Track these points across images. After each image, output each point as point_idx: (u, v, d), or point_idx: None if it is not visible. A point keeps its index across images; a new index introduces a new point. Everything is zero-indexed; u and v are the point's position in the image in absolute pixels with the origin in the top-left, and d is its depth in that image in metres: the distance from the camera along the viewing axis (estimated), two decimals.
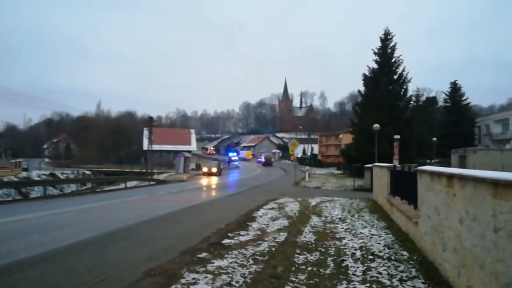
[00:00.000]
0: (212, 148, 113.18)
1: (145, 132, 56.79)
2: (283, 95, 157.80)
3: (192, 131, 76.19)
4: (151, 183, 31.08)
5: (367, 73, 38.61)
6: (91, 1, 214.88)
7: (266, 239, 7.13)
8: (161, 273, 4.94)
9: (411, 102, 43.54)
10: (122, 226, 8.87)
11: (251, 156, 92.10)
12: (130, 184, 29.67)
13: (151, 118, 50.71)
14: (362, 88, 39.75)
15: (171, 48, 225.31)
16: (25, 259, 5.75)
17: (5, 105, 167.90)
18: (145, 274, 4.92)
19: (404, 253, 5.99)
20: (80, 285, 4.52)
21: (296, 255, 5.92)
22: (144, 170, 45.81)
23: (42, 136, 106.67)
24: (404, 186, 8.40)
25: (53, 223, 9.68)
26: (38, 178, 35.27)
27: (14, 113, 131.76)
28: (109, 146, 71.91)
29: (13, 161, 47.22)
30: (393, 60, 37.55)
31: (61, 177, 41.56)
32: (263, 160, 70.06)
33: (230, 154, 74.83)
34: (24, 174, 41.15)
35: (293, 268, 5.22)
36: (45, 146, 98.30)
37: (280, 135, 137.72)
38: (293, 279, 4.74)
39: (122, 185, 29.47)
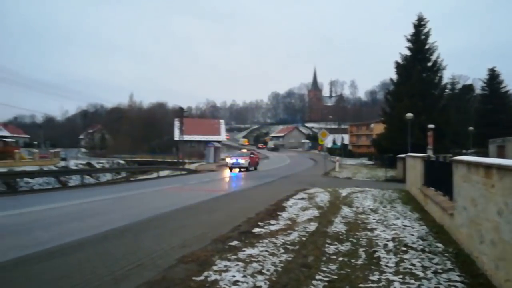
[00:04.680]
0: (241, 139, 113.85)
1: (176, 123, 57.84)
2: (313, 84, 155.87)
3: (222, 121, 76.86)
4: (183, 172, 31.70)
5: (399, 61, 37.48)
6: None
7: (296, 228, 7.14)
8: (193, 260, 5.06)
9: (446, 90, 41.91)
10: (156, 214, 9.12)
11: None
12: (162, 173, 30.43)
13: (181, 109, 51.56)
14: (394, 76, 38.69)
15: (199, 39, 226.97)
16: (64, 245, 6.04)
17: (44, 98, 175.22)
18: (179, 260, 5.06)
19: (439, 245, 5.84)
20: (117, 270, 4.71)
21: (326, 245, 5.90)
22: (175, 160, 46.77)
23: (78, 127, 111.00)
24: (439, 177, 8.16)
25: (90, 211, 10.09)
26: (76, 168, 36.79)
27: (52, 105, 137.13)
28: (141, 137, 73.82)
29: (52, 151, 49.43)
30: (427, 47, 36.24)
31: (97, 166, 43.08)
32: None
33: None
34: (62, 163, 42.92)
35: (324, 258, 5.21)
36: (81, 137, 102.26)
37: (309, 125, 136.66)
38: (324, 268, 4.74)
39: (155, 175, 30.28)
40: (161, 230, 7.28)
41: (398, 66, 37.49)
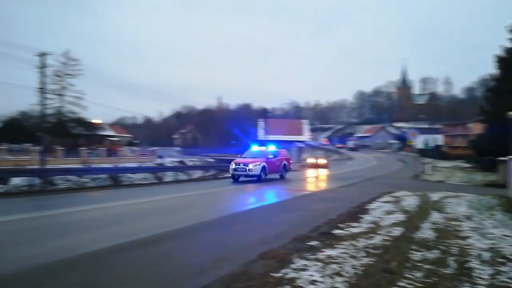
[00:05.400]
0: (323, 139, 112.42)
1: (260, 123, 59.17)
2: (401, 82, 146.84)
3: (305, 121, 76.59)
4: None
5: (500, 54, 33.64)
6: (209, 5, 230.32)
7: (380, 232, 6.90)
8: (273, 257, 5.20)
9: None
10: (240, 211, 9.54)
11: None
12: None
13: (265, 109, 52.69)
14: (494, 71, 34.88)
15: (283, 39, 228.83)
16: (159, 235, 6.65)
17: (143, 101, 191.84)
18: (259, 256, 5.24)
19: None
20: (202, 261, 5.05)
21: (412, 252, 5.61)
22: None
23: (172, 127, 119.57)
24: None
25: (182, 205, 10.92)
26: (170, 165, 39.73)
27: (151, 107, 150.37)
28: (228, 136, 77.02)
29: (150, 149, 54.21)
30: None
31: (189, 164, 46.00)
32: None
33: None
34: (158, 161, 46.72)
35: (408, 265, 4.97)
36: (175, 136, 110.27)
37: (397, 124, 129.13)
38: (408, 275, 4.53)
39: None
40: (244, 226, 7.59)
41: (499, 60, 33.70)
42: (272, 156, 20.10)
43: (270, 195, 13.67)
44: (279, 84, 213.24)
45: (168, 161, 46.62)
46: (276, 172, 20.57)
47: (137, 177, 19.44)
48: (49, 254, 5.26)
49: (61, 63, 45.77)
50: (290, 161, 22.94)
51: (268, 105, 64.20)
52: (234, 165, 19.26)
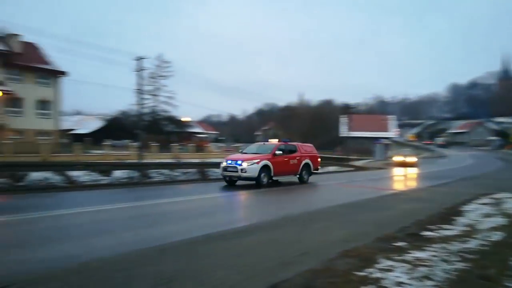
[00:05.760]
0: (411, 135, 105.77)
1: (342, 119, 57.73)
2: (502, 72, 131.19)
3: (391, 117, 72.78)
4: (349, 169, 31.49)
5: None
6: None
7: (476, 236, 6.35)
8: (356, 255, 5.11)
9: None
10: (322, 208, 9.52)
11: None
12: (328, 169, 30.92)
13: (347, 105, 51.27)
14: None
15: (367, 32, 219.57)
16: (238, 228, 7.00)
17: (229, 99, 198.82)
18: (341, 254, 5.20)
19: None
20: (284, 255, 5.17)
21: None
22: (341, 156, 46.79)
23: (255, 124, 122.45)
24: None
25: (263, 200, 11.23)
26: None
27: (235, 105, 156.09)
28: (309, 133, 76.60)
29: (234, 145, 56.36)
30: None
31: None
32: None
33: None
34: None
35: (509, 273, 4.53)
36: (257, 133, 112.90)
37: (498, 119, 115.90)
38: (509, 284, 4.14)
39: (321, 170, 30.96)
40: (326, 223, 7.57)
41: None
42: (280, 152, 14.91)
43: (354, 193, 13.36)
44: (362, 78, 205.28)
45: None
46: (291, 173, 15.79)
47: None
48: (143, 241, 5.82)
49: (155, 65, 49.83)
50: (318, 159, 17.48)
51: (351, 100, 62.09)
52: (225, 162, 14.45)
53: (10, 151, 25.18)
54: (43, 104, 36.24)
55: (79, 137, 45.18)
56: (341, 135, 60.33)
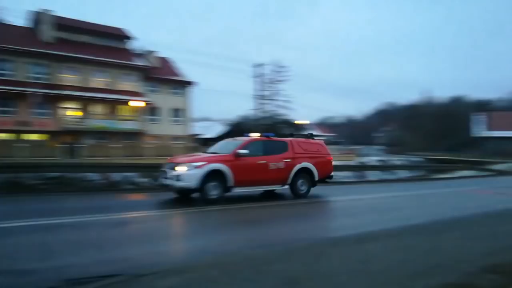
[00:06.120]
0: None
1: (475, 118, 51.22)
2: None
3: None
4: (487, 173, 27.99)
5: None
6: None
7: None
8: (501, 272, 4.60)
9: None
10: (457, 216, 8.74)
11: None
12: (460, 173, 27.96)
13: (484, 102, 45.36)
14: None
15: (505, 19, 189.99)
16: (361, 233, 6.81)
17: (345, 100, 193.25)
18: (483, 268, 4.72)
19: None
20: (416, 266, 4.89)
21: None
22: (476, 159, 41.60)
23: (373, 125, 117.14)
24: None
25: (387, 205, 10.82)
26: (371, 164, 39.27)
27: (352, 105, 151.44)
28: (437, 133, 70.05)
29: (352, 148, 55.01)
30: None
31: (393, 163, 44.25)
32: None
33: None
34: (363, 159, 46.93)
35: None
36: (376, 134, 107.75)
37: None
38: None
39: (451, 174, 28.17)
40: (463, 233, 6.91)
41: None
42: (246, 152, 10.33)
43: (493, 201, 11.88)
44: (497, 72, 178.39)
45: (371, 159, 46.11)
46: (273, 182, 11.06)
47: (341, 175, 20.04)
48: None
49: (272, 71, 51.79)
50: (329, 163, 12.50)
51: (486, 96, 54.44)
52: (166, 166, 10.41)
53: (151, 154, 29.09)
54: (176, 112, 41.10)
55: (207, 141, 49.46)
56: (474, 135, 53.69)
